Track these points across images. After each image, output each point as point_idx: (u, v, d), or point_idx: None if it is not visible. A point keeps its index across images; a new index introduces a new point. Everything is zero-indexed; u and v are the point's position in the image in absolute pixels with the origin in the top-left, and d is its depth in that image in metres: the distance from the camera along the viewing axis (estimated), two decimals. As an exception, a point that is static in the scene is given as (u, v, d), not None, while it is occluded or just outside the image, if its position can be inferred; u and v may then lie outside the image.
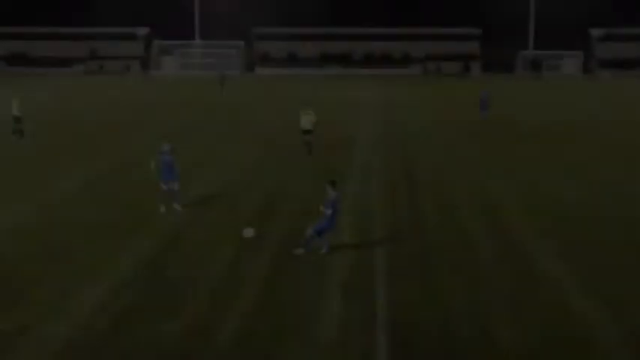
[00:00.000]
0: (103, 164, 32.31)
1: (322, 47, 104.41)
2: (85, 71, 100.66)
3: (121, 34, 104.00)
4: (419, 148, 37.46)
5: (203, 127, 45.30)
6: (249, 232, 19.89)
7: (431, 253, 19.77)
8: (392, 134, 42.36)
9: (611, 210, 24.71)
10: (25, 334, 14.51)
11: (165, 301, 16.29)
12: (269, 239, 20.93)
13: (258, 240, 20.69)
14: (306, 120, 35.34)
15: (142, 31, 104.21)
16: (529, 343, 14.30)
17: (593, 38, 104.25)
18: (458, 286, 17.22)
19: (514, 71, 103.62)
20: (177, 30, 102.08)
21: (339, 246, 20.16)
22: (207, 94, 68.14)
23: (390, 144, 38.66)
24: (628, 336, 14.66)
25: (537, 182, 29.02)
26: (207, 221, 22.80)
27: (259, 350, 13.96)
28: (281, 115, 51.30)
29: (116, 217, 23.32)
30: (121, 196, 26.27)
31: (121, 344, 14.10)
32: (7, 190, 27.32)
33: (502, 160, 33.91)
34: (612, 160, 34.31)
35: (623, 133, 43.46)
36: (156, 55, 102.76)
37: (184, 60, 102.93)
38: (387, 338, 14.43)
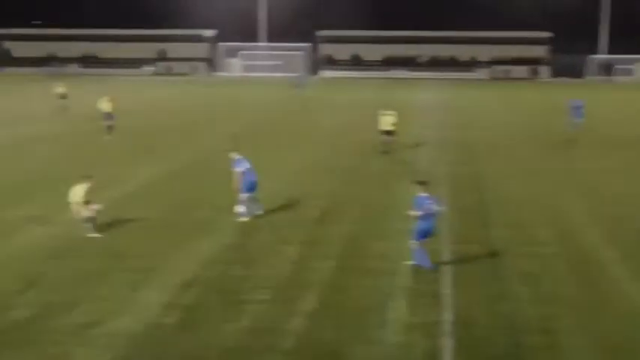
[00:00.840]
0: (170, 164, 32.66)
1: (387, 50, 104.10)
2: (154, 72, 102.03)
3: (189, 36, 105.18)
4: (486, 152, 37.01)
5: (273, 127, 45.49)
6: (241, 209, 21.60)
7: (498, 260, 19.51)
8: (458, 138, 41.95)
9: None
10: (95, 328, 14.76)
11: (230, 300, 16.38)
12: (334, 241, 20.92)
13: (322, 242, 20.73)
14: (387, 121, 35.85)
15: (209, 33, 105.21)
16: (599, 354, 14.03)
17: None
18: (525, 295, 16.97)
19: (584, 76, 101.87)
20: (243, 32, 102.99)
21: (406, 250, 20.07)
22: (278, 95, 68.46)
23: (456, 148, 38.29)
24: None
25: (614, 192, 28.47)
26: (272, 222, 22.83)
27: (322, 351, 13.94)
28: (347, 116, 51.31)
29: (182, 216, 23.56)
30: (188, 195, 26.51)
31: (185, 342, 14.23)
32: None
33: (570, 166, 33.34)
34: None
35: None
36: (221, 57, 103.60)
37: (249, 62, 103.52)
38: (452, 343, 14.29)
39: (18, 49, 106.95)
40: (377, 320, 15.33)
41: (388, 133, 35.76)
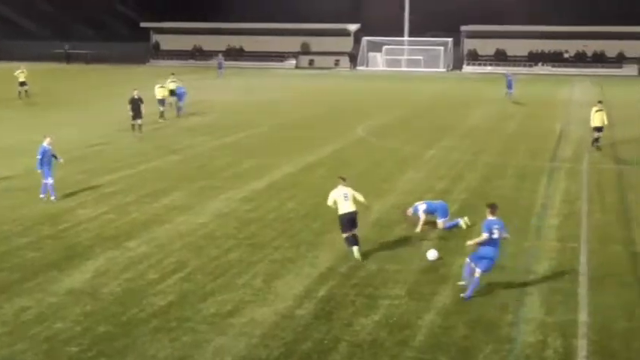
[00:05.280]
0: (314, 156, 33.03)
1: (531, 45, 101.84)
2: (296, 65, 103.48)
3: (332, 30, 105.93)
4: (636, 150, 35.63)
5: (418, 122, 45.40)
6: (432, 255, 18.91)
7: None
8: (605, 135, 40.52)
9: None
10: (229, 317, 15.24)
11: (364, 294, 16.58)
12: (470, 237, 20.69)
13: (458, 237, 20.60)
14: (599, 117, 36.03)
15: (353, 27, 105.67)
16: None
17: None
18: (667, 297, 16.42)
19: None
20: (386, 27, 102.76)
21: (543, 248, 19.79)
22: (425, 89, 68.10)
23: (603, 145, 37.04)
24: None
25: None
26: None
27: (454, 348, 13.93)
28: (492, 111, 50.61)
29: (321, 209, 23.79)
30: (329, 187, 26.77)
31: (317, 334, 14.50)
32: (219, 179, 28.65)
33: None
34: None
35: None
36: (364, 52, 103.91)
37: (391, 56, 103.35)
38: (587, 345, 14.00)
39: (166, 42, 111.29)
40: (510, 318, 15.20)
41: (599, 129, 35.85)
